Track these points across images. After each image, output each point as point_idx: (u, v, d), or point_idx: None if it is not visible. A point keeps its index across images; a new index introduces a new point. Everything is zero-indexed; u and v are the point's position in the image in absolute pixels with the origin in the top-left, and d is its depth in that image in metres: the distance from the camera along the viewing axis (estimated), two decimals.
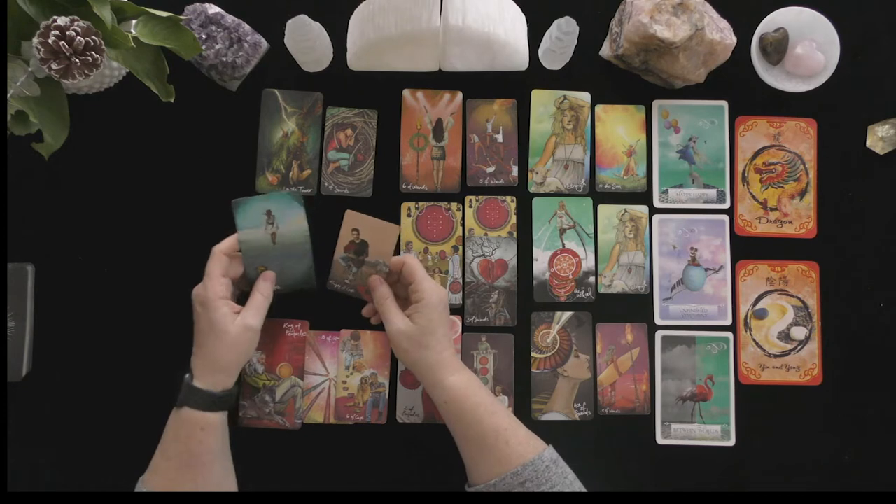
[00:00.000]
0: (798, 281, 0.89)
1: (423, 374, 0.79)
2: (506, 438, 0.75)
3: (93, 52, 0.69)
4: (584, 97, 0.90)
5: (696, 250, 0.89)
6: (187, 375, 0.77)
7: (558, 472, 0.74)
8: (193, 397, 0.75)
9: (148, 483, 0.75)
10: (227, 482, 0.78)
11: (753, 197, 0.90)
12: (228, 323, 0.75)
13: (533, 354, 0.87)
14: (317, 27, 0.82)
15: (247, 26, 0.86)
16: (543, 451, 0.75)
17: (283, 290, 0.83)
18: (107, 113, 0.87)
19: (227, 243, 0.79)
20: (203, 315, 0.76)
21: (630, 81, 0.90)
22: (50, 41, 0.68)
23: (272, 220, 0.81)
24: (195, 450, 0.74)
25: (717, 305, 0.89)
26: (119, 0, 0.74)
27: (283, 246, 0.82)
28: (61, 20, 0.68)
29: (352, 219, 0.83)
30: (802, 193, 0.90)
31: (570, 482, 0.75)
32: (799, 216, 0.90)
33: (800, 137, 0.90)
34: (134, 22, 0.76)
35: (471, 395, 0.77)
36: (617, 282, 0.89)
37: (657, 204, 0.90)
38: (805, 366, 0.88)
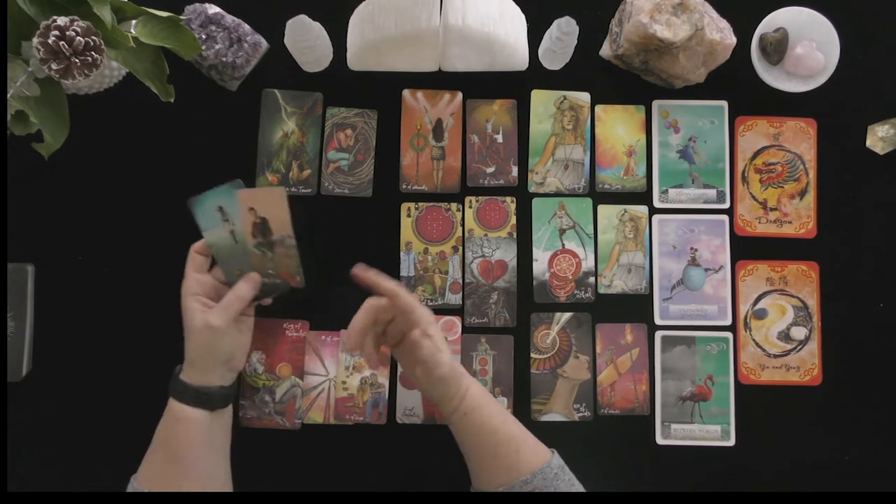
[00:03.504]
0: (798, 281, 0.89)
1: (436, 391, 0.76)
2: (516, 447, 0.75)
3: (93, 52, 0.69)
4: (584, 97, 0.90)
5: (695, 250, 0.89)
6: (179, 366, 0.78)
7: (565, 478, 0.75)
8: (175, 387, 0.76)
9: (138, 476, 0.75)
10: (215, 481, 0.77)
11: (753, 197, 0.90)
12: (194, 318, 0.76)
13: (532, 355, 0.87)
14: (317, 27, 0.82)
15: (247, 26, 0.86)
16: (552, 459, 0.75)
17: (263, 294, 0.81)
18: (107, 113, 0.87)
19: (200, 242, 0.80)
20: (182, 310, 0.78)
21: (630, 81, 0.90)
22: (50, 41, 0.68)
23: (226, 216, 0.78)
24: (174, 442, 0.75)
25: (717, 305, 0.89)
26: (119, 0, 0.74)
27: (245, 243, 0.78)
28: (61, 20, 0.68)
29: (245, 198, 0.78)
30: (802, 193, 0.90)
31: (576, 488, 0.75)
32: (799, 216, 0.90)
33: (800, 137, 0.90)
34: (134, 22, 0.76)
35: (485, 403, 0.76)
36: (617, 282, 0.89)
37: (657, 204, 0.90)
38: (805, 366, 0.88)
